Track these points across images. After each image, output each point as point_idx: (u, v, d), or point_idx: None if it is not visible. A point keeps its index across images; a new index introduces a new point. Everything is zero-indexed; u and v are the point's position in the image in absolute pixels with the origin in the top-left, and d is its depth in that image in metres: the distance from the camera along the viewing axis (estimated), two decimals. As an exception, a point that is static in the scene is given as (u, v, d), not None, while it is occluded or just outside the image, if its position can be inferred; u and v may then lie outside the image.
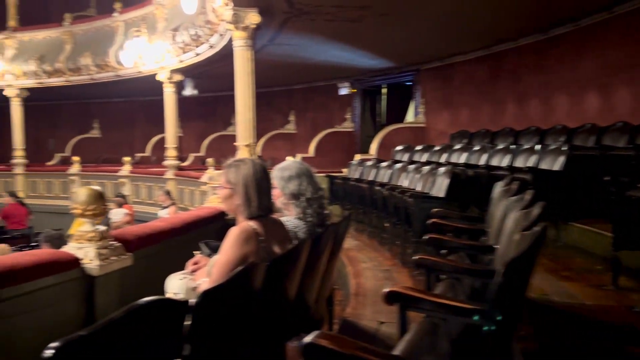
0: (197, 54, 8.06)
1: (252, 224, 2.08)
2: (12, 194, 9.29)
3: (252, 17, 5.28)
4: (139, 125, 13.88)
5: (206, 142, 12.64)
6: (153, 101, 12.82)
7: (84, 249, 2.32)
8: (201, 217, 3.29)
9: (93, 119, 14.23)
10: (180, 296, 2.28)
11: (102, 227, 2.44)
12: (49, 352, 1.17)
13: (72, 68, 10.79)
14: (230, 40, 6.42)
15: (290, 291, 2.28)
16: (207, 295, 1.62)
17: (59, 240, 6.43)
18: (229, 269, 2.01)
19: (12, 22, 11.57)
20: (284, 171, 2.49)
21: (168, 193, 8.67)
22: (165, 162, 9.58)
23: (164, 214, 8.35)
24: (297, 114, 12.23)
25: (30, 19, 11.97)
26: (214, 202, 3.73)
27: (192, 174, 8.93)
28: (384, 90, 11.66)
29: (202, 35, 7.43)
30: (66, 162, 12.87)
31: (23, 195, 11.15)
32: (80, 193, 2.36)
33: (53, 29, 11.29)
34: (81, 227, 2.40)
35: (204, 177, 8.38)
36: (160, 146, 12.66)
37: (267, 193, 2.15)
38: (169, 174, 9.48)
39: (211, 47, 7.43)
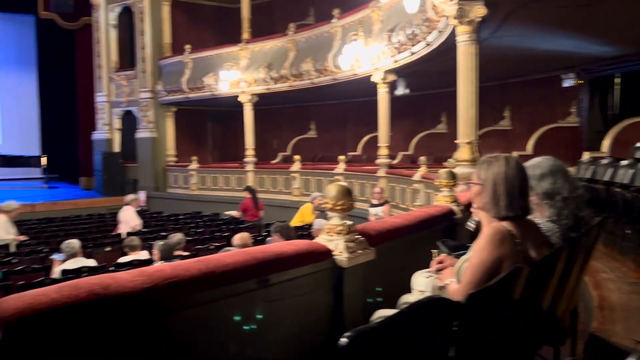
0: (413, 53, 8.09)
1: (506, 225, 1.97)
2: (250, 189, 10.40)
3: (478, 10, 5.12)
4: (350, 125, 14.50)
5: (414, 140, 12.68)
6: (364, 102, 13.29)
7: (334, 241, 2.45)
8: (432, 215, 3.27)
9: (310, 120, 15.28)
10: (426, 294, 2.28)
11: (349, 222, 2.56)
12: (343, 340, 1.25)
13: (294, 74, 11.72)
14: (450, 37, 6.31)
15: (545, 300, 2.12)
16: (473, 297, 1.57)
17: (287, 230, 7.03)
18: (482, 271, 1.94)
19: (245, 35, 13.04)
20: (535, 169, 2.33)
21: (381, 191, 8.90)
22: (378, 161, 9.85)
23: (378, 211, 8.58)
24: (512, 109, 11.56)
25: (258, 31, 13.35)
26: (441, 201, 3.67)
27: (403, 172, 9.02)
28: (617, 80, 10.36)
29: (418, 33, 7.44)
30: (287, 160, 14.07)
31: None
32: (331, 189, 2.49)
33: (279, 38, 12.41)
34: (332, 220, 2.54)
35: (416, 176, 8.39)
36: (370, 145, 13.08)
37: (522, 193, 2.02)
38: (381, 172, 9.72)
39: (427, 45, 7.40)
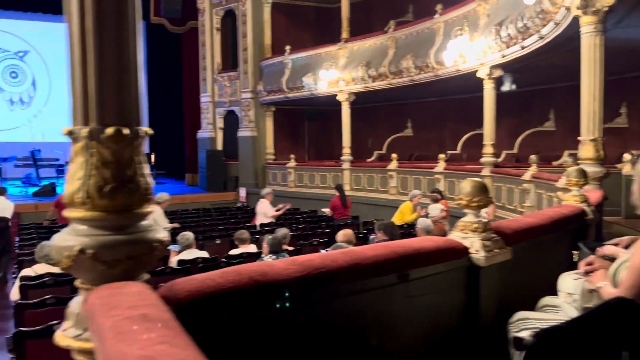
0: (523, 47, 7.75)
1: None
2: (338, 188, 10.47)
3: (605, 0, 4.79)
4: (449, 123, 14.16)
5: (519, 138, 12.14)
6: (464, 99, 12.92)
7: (469, 239, 2.39)
8: (565, 215, 3.10)
9: (406, 118, 15.10)
10: (575, 297, 2.16)
11: (485, 219, 2.48)
12: (529, 339, 1.22)
13: (394, 71, 11.63)
14: (568, 28, 5.97)
15: None
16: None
17: (392, 229, 6.98)
18: (643, 274, 1.80)
19: (344, 34, 13.12)
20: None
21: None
22: (482, 160, 9.53)
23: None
24: (629, 105, 10.75)
25: (356, 30, 13.38)
26: (571, 201, 3.47)
27: (511, 171, 8.66)
28: None
29: (531, 26, 7.11)
30: (383, 159, 14.00)
31: (348, 188, 12.57)
32: (466, 185, 2.43)
33: (378, 36, 12.37)
34: (466, 217, 2.48)
35: (526, 175, 8.03)
36: (470, 144, 12.69)
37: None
38: (486, 171, 9.40)
39: (541, 38, 7.05)
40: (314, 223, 10.06)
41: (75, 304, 1.46)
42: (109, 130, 1.41)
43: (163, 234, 1.53)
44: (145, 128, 1.55)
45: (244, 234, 7.16)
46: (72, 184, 1.43)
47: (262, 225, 9.45)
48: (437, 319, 2.35)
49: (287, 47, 14.44)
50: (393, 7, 14.40)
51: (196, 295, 1.58)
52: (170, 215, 11.81)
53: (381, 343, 2.08)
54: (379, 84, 12.11)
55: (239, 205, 14.56)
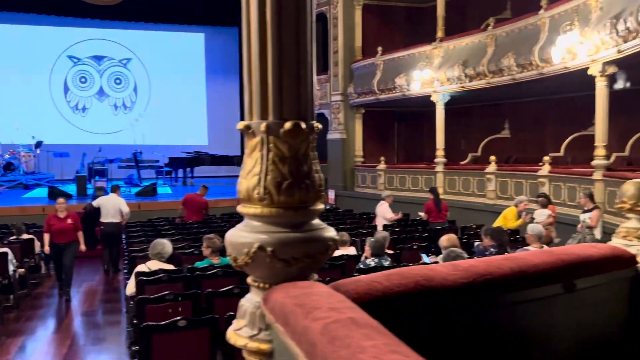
0: (645, 41, 7.15)
1: None
2: (432, 191, 10.18)
3: None
4: (549, 124, 13.42)
5: (631, 140, 11.25)
6: (569, 98, 12.19)
7: (634, 246, 2.15)
8: None
9: (503, 119, 14.49)
10: None
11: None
12: None
13: (493, 70, 11.18)
14: None
15: None
16: None
17: (500, 234, 6.66)
18: None
19: (439, 33, 12.80)
20: None
21: (590, 196, 8.01)
22: (594, 162, 8.91)
23: (585, 217, 7.76)
24: None
25: (449, 29, 13.01)
26: None
27: (629, 175, 8.01)
28: None
29: (656, 17, 6.54)
30: (477, 161, 13.50)
31: (442, 191, 12.21)
32: (630, 187, 2.20)
33: (476, 34, 11.95)
34: (628, 223, 2.24)
35: (647, 179, 7.38)
36: (574, 146, 11.94)
37: None
38: (597, 175, 8.78)
39: (667, 30, 6.47)
40: (408, 227, 9.86)
41: (248, 303, 1.43)
42: (288, 125, 1.36)
43: (333, 233, 1.47)
44: (316, 123, 1.49)
45: (344, 235, 7.10)
46: (248, 179, 1.39)
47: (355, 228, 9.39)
48: (595, 334, 2.14)
49: (379, 49, 14.32)
50: (489, 4, 13.88)
51: (365, 298, 1.50)
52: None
53: (539, 357, 1.91)
54: (476, 84, 11.69)
55: (327, 207, 14.60)
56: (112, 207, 10.06)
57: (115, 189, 10.63)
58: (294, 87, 1.39)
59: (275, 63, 1.37)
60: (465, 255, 4.78)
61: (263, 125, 1.38)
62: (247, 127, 1.42)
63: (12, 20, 18.31)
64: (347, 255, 6.60)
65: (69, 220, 8.32)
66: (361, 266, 5.99)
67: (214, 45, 20.86)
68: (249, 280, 1.45)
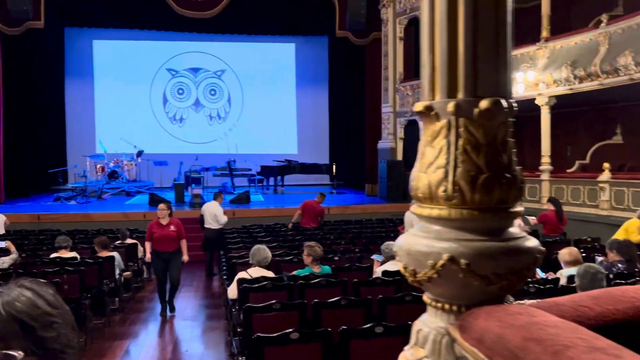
0: None
1: None
2: (553, 201, 9.44)
3: None
4: (671, 129, 12.18)
5: None
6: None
7: None
8: None
9: (614, 124, 13.34)
10: None
11: None
12: None
13: (607, 70, 10.27)
14: None
15: None
16: None
17: (629, 248, 5.95)
18: None
19: (544, 33, 12.00)
20: None
21: None
22: None
23: None
24: None
25: (553, 29, 12.16)
26: None
27: None
28: None
29: None
30: (586, 169, 12.48)
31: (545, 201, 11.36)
32: None
33: (587, 32, 11.07)
34: None
35: None
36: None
37: None
38: None
39: None
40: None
41: (428, 327, 1.14)
42: (484, 104, 1.07)
43: (537, 242, 1.15)
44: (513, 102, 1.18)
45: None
46: (430, 173, 1.12)
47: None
48: None
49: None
50: (598, 1, 12.87)
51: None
52: (355, 224, 11.80)
53: None
54: (587, 85, 10.80)
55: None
56: (209, 213, 10.26)
57: (216, 196, 10.77)
58: (492, 57, 1.10)
59: (468, 24, 1.08)
60: (604, 271, 4.24)
61: (451, 105, 1.10)
62: (428, 108, 1.14)
63: (117, 37, 19.44)
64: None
65: (172, 227, 7.67)
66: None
67: (305, 54, 21.02)
68: (427, 298, 1.17)
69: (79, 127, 19.36)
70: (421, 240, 1.11)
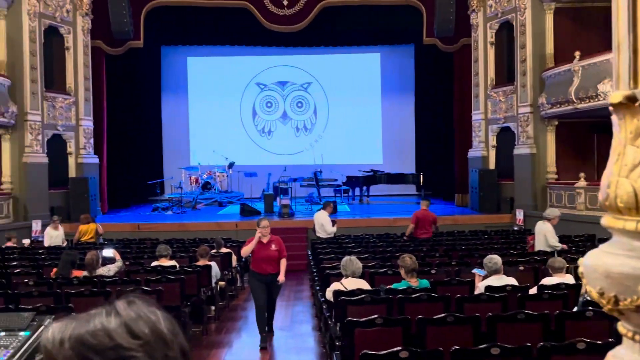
0: None
1: None
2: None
3: None
4: None
5: None
6: None
7: None
8: None
9: None
10: None
11: None
12: None
13: None
14: None
15: None
16: None
17: None
18: None
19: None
20: None
21: None
22: None
23: None
24: None
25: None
26: None
27: None
28: None
29: None
30: None
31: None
32: None
33: None
34: None
35: None
36: None
37: None
38: None
39: None
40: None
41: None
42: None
43: None
44: None
45: (557, 261, 6.24)
46: (634, 179, 0.93)
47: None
48: None
49: (577, 54, 12.88)
50: None
51: None
52: (447, 236, 11.39)
53: None
54: None
55: (515, 228, 13.43)
56: (317, 222, 10.33)
57: (325, 206, 10.62)
58: None
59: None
60: None
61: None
62: (630, 98, 0.96)
63: (209, 53, 20.28)
64: (565, 284, 5.73)
65: (273, 247, 6.84)
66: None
67: (390, 63, 20.86)
68: (624, 329, 0.98)
69: (175, 140, 20.32)
70: (625, 260, 0.93)
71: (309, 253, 11.14)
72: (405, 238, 10.44)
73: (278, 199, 16.07)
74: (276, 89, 20.98)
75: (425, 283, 5.76)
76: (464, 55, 16.72)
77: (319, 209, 10.89)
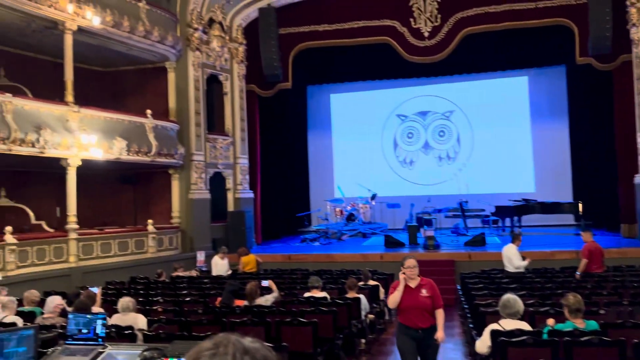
0: None
1: None
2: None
3: None
4: None
5: None
6: None
7: None
8: None
9: None
10: None
11: None
12: None
13: None
14: None
15: None
16: None
17: None
18: None
19: None
20: None
21: None
22: None
23: None
24: None
25: None
26: None
27: None
28: None
29: None
30: None
31: None
32: None
33: None
34: None
35: None
36: None
37: None
38: None
39: None
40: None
41: None
42: None
43: None
44: None
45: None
46: None
47: None
48: None
49: None
50: None
51: None
52: (615, 271, 10.30)
53: None
54: None
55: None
56: (505, 256, 10.03)
57: (514, 238, 10.06)
58: None
59: None
60: None
61: None
62: None
63: (351, 89, 20.95)
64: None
65: (424, 292, 5.37)
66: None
67: (539, 86, 19.80)
68: None
69: (320, 174, 21.14)
70: None
71: (458, 288, 10.81)
72: (578, 275, 9.54)
73: (422, 230, 15.87)
74: (417, 119, 20.95)
75: (593, 325, 5.29)
76: (624, 73, 15.34)
77: (508, 243, 10.26)
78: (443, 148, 20.73)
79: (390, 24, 16.84)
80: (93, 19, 12.59)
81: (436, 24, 16.60)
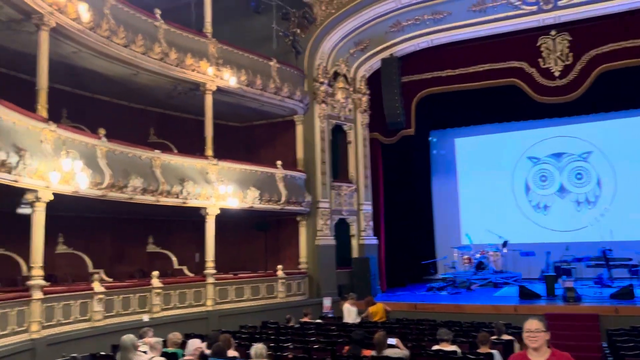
0: None
1: None
2: None
3: None
4: None
5: None
6: None
7: None
8: None
9: None
10: None
11: None
12: None
13: None
14: None
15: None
16: None
17: None
18: None
19: None
20: None
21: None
22: None
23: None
24: None
25: None
26: None
27: None
28: None
29: None
30: None
31: None
32: None
33: None
34: None
35: None
36: None
37: None
38: None
39: None
40: None
41: None
42: None
43: None
44: None
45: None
46: None
47: None
48: None
49: None
50: None
51: None
52: None
53: None
54: None
55: None
56: None
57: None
58: None
59: None
60: None
61: None
62: None
63: (476, 133, 20.42)
64: None
65: None
66: None
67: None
68: None
69: (446, 220, 20.62)
70: None
71: (604, 345, 9.82)
72: None
73: (560, 280, 14.73)
74: (551, 162, 19.77)
75: None
76: None
77: None
78: (581, 192, 19.28)
79: (517, 65, 16.34)
80: (230, 79, 13.79)
81: (568, 62, 15.80)
